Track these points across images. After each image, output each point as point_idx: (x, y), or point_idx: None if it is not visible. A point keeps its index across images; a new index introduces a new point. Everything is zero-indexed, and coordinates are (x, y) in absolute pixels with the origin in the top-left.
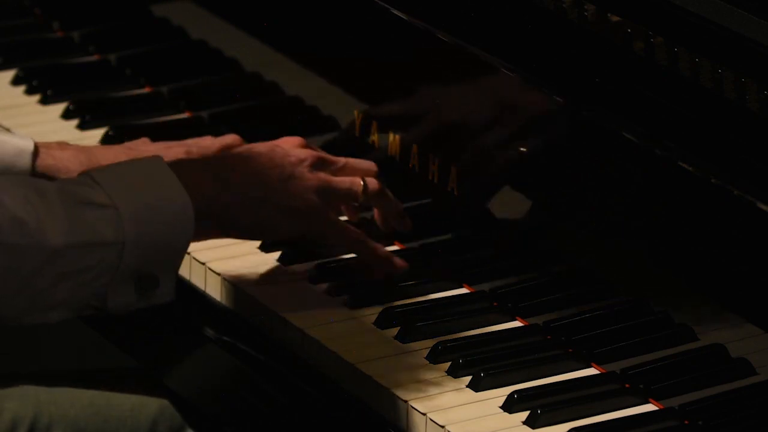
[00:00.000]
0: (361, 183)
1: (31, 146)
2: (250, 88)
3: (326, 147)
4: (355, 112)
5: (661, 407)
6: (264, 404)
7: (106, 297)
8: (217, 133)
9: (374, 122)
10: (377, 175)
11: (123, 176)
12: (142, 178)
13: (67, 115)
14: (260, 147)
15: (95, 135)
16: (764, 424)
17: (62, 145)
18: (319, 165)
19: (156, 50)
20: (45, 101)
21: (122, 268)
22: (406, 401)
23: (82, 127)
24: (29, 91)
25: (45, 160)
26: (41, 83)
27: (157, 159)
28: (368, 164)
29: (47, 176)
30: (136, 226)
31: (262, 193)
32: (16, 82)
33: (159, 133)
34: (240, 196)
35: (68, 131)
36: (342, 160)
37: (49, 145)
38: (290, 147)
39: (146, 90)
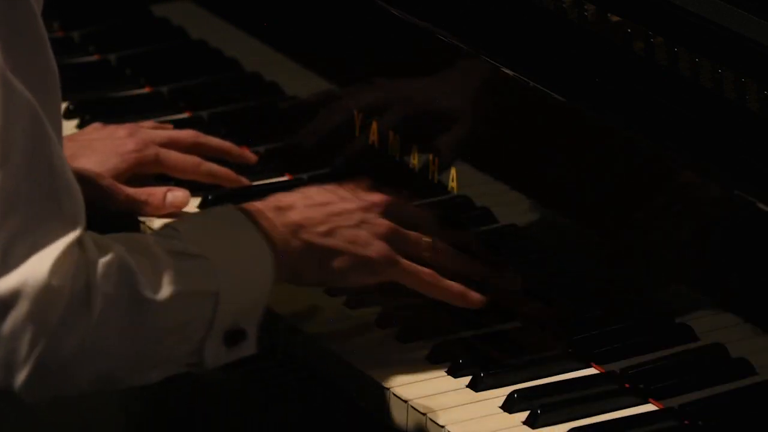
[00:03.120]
0: (430, 239)
1: None
2: (250, 88)
3: (326, 147)
4: (355, 112)
5: (661, 407)
6: None
7: (202, 353)
8: (216, 134)
9: (374, 122)
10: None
11: (205, 227)
12: (222, 228)
13: (67, 115)
14: (327, 191)
15: None
16: (764, 424)
17: None
18: (387, 213)
19: (156, 50)
20: None
21: (216, 321)
22: (406, 401)
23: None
24: None
25: None
26: None
27: (232, 209)
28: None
29: None
30: (226, 276)
31: (331, 242)
32: None
33: None
34: (309, 244)
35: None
36: (410, 208)
37: None
38: (357, 189)
39: (146, 90)
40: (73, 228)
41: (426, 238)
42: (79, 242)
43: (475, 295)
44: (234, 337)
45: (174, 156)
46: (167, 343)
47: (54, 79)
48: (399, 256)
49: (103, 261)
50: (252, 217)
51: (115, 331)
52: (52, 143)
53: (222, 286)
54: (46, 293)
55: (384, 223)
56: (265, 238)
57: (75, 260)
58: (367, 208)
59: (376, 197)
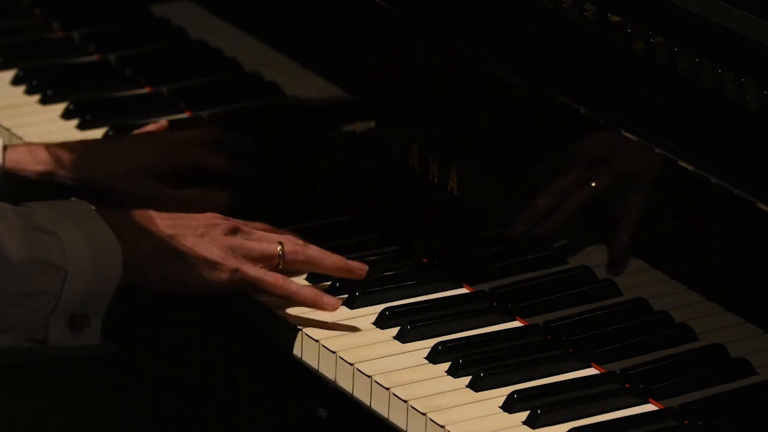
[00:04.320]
0: (278, 247)
1: None
2: (250, 88)
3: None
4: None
5: (661, 407)
6: None
7: (47, 329)
8: None
9: (373, 123)
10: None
11: (58, 211)
12: (75, 216)
13: (67, 115)
14: (179, 214)
15: (95, 135)
16: (764, 424)
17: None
18: (233, 231)
19: (156, 50)
20: (45, 101)
21: (63, 300)
22: (405, 401)
23: (82, 127)
24: (29, 91)
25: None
26: (41, 83)
27: (84, 203)
28: (287, 236)
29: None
30: (76, 258)
31: (174, 244)
32: (16, 82)
33: None
34: (154, 246)
35: (68, 131)
36: (258, 232)
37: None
38: (207, 216)
39: (146, 90)
40: None
41: (269, 247)
42: None
43: (329, 299)
44: (79, 322)
45: None
46: (19, 309)
47: None
48: (241, 258)
49: None
50: (102, 214)
51: None
52: None
53: (71, 266)
54: None
55: (227, 238)
56: (114, 233)
57: None
58: (214, 226)
59: (224, 220)
